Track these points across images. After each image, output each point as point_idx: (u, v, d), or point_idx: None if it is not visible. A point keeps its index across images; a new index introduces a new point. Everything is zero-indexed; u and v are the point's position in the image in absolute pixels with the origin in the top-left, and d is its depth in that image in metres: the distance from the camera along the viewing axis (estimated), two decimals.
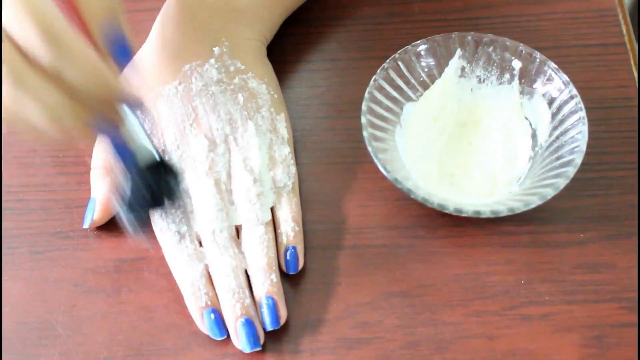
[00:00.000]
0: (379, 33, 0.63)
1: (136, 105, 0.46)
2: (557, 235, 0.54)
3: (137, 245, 0.55)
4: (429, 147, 0.57)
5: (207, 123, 0.56)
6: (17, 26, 0.41)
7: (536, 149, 0.56)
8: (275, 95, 0.58)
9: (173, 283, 0.53)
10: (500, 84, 0.58)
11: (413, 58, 0.58)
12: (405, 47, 0.57)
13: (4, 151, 0.59)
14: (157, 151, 0.49)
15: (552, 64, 0.56)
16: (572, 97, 0.55)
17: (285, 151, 0.56)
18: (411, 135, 0.57)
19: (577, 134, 0.53)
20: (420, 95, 0.58)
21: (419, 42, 0.58)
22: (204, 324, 0.51)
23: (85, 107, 0.43)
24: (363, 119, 0.55)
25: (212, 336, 0.51)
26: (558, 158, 0.53)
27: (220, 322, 0.51)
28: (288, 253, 0.53)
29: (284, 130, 0.57)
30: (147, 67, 0.57)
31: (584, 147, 0.52)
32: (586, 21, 0.63)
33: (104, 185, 0.55)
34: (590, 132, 0.53)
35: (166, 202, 0.50)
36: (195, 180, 0.54)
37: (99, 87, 0.43)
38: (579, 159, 0.52)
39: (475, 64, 0.58)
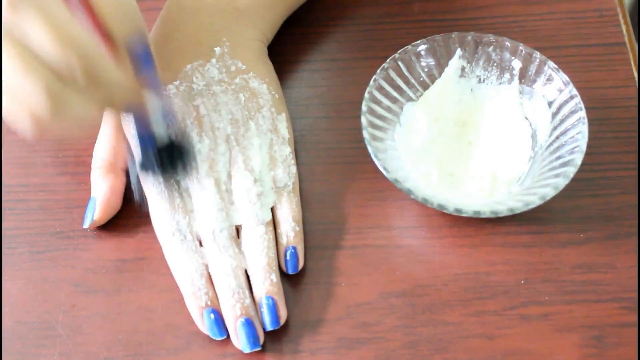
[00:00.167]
0: (379, 33, 0.63)
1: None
2: (557, 235, 0.54)
3: (137, 245, 0.55)
4: (429, 147, 0.57)
5: (208, 122, 0.56)
6: (53, 52, 0.43)
7: (536, 149, 0.56)
8: (276, 95, 0.58)
9: (173, 283, 0.53)
10: (500, 84, 0.58)
11: (413, 58, 0.58)
12: (405, 47, 0.57)
13: (4, 151, 0.59)
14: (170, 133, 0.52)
15: (552, 64, 0.56)
16: (572, 97, 0.55)
17: (285, 151, 0.56)
18: (411, 136, 0.57)
19: (577, 134, 0.53)
20: (420, 95, 0.58)
21: (419, 42, 0.58)
22: (203, 324, 0.51)
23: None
24: (363, 119, 0.54)
25: (211, 336, 0.51)
26: (558, 158, 0.53)
27: (220, 322, 0.51)
28: (288, 253, 0.53)
29: (284, 130, 0.57)
30: None
31: (584, 147, 0.52)
32: (586, 21, 0.63)
33: (104, 185, 0.55)
34: (590, 132, 0.53)
35: (179, 165, 0.52)
36: (195, 180, 0.54)
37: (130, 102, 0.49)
38: (579, 159, 0.52)
39: (475, 64, 0.58)
